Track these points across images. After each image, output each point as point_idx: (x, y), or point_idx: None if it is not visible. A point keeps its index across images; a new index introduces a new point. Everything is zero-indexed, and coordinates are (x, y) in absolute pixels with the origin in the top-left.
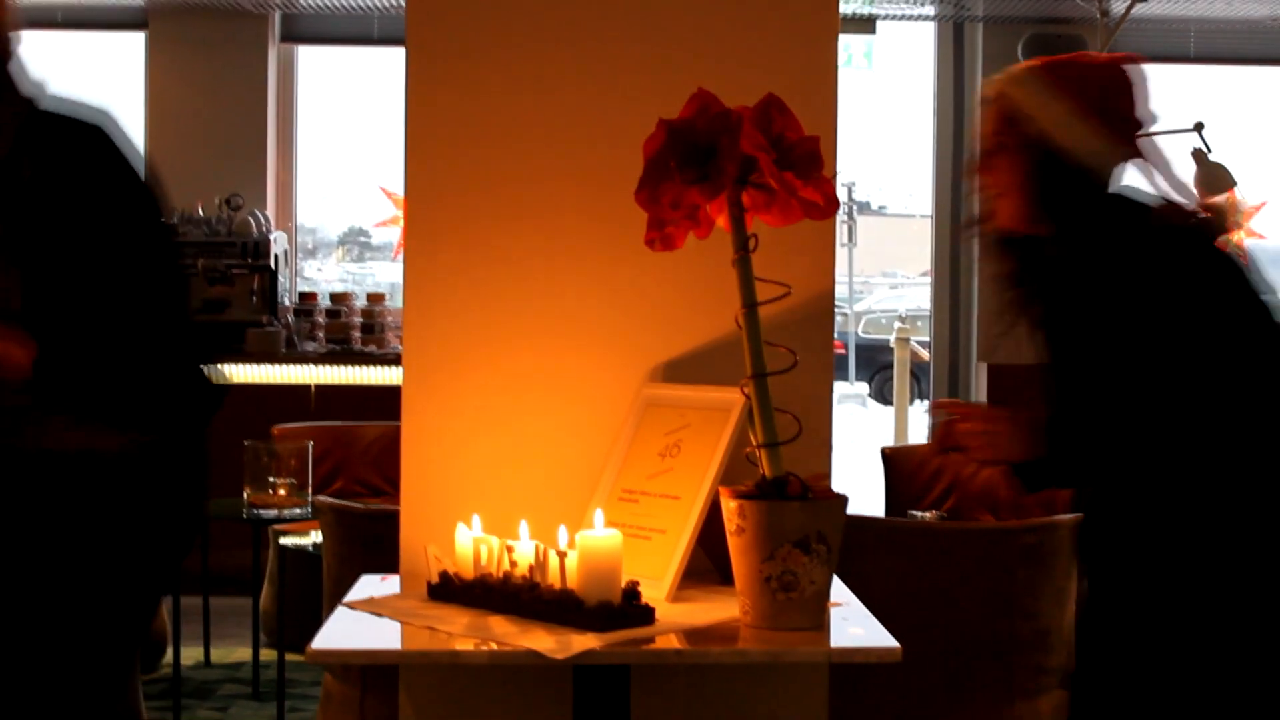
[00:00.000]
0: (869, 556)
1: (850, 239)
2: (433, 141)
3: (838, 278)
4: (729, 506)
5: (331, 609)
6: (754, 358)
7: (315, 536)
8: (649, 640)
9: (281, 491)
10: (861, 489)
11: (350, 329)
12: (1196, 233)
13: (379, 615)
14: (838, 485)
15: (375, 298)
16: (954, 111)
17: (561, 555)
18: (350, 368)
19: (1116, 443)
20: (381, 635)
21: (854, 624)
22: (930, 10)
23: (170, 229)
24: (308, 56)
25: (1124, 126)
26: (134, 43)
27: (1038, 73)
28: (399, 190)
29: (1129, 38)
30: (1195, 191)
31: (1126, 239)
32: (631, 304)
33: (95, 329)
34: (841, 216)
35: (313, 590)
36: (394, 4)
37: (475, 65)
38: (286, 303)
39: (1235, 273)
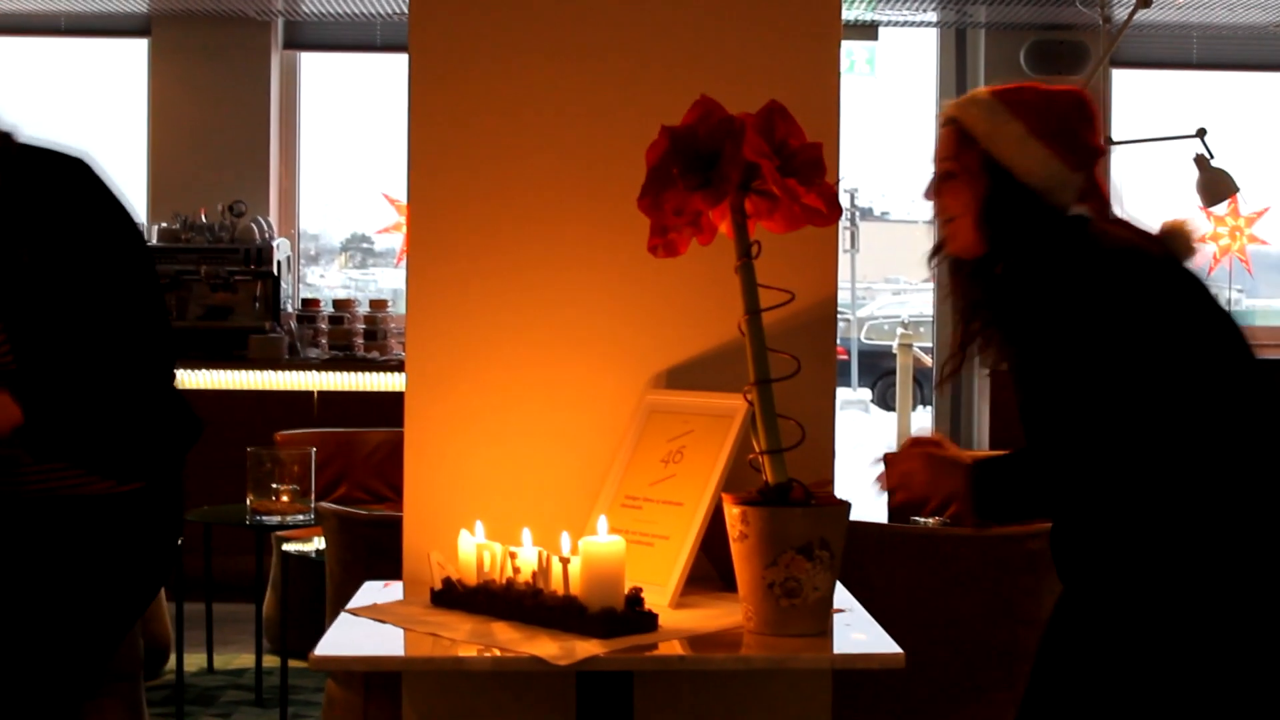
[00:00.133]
0: (872, 562)
1: (853, 245)
2: (435, 149)
3: (840, 284)
4: (732, 513)
5: (334, 615)
6: (757, 364)
7: (318, 543)
8: (652, 647)
9: (284, 498)
10: (864, 495)
11: (353, 335)
12: (1150, 256)
13: (382, 622)
14: (840, 491)
15: (378, 304)
16: None
17: (565, 561)
18: (353, 374)
19: (1071, 472)
20: (385, 642)
21: (857, 630)
22: (933, 17)
23: (152, 259)
24: (310, 63)
25: (1082, 152)
26: (137, 50)
27: (994, 97)
28: (401, 197)
29: (1131, 44)
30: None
31: (1078, 262)
32: (634, 310)
33: (83, 374)
34: (844, 223)
35: (316, 596)
36: (397, 11)
37: (477, 72)
38: (289, 309)
39: (1194, 292)
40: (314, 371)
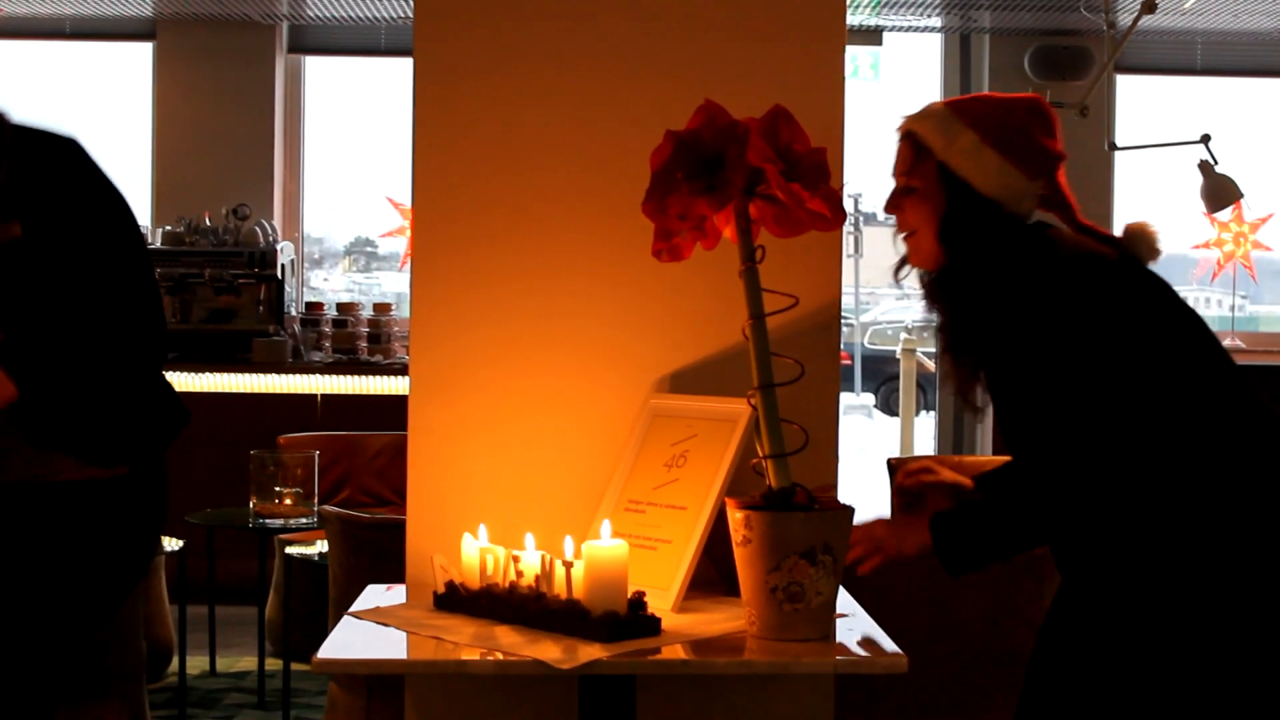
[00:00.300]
0: None
1: (857, 250)
2: (440, 156)
3: (844, 288)
4: (735, 517)
5: (337, 618)
6: (761, 369)
7: (321, 546)
8: (655, 651)
9: (288, 501)
10: (868, 500)
11: (356, 339)
12: (1105, 260)
13: (385, 625)
14: (844, 496)
15: (381, 308)
16: None
17: (568, 565)
18: (356, 378)
19: (1050, 479)
20: (387, 645)
21: (859, 634)
22: (937, 22)
23: (144, 240)
24: (315, 67)
25: (1040, 159)
26: (142, 53)
27: (948, 108)
28: (405, 201)
29: (1136, 50)
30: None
31: (1034, 270)
32: (638, 315)
33: (75, 350)
34: (848, 227)
35: (318, 599)
36: (401, 15)
37: (482, 77)
38: (293, 312)
39: (1154, 293)
40: (317, 375)
